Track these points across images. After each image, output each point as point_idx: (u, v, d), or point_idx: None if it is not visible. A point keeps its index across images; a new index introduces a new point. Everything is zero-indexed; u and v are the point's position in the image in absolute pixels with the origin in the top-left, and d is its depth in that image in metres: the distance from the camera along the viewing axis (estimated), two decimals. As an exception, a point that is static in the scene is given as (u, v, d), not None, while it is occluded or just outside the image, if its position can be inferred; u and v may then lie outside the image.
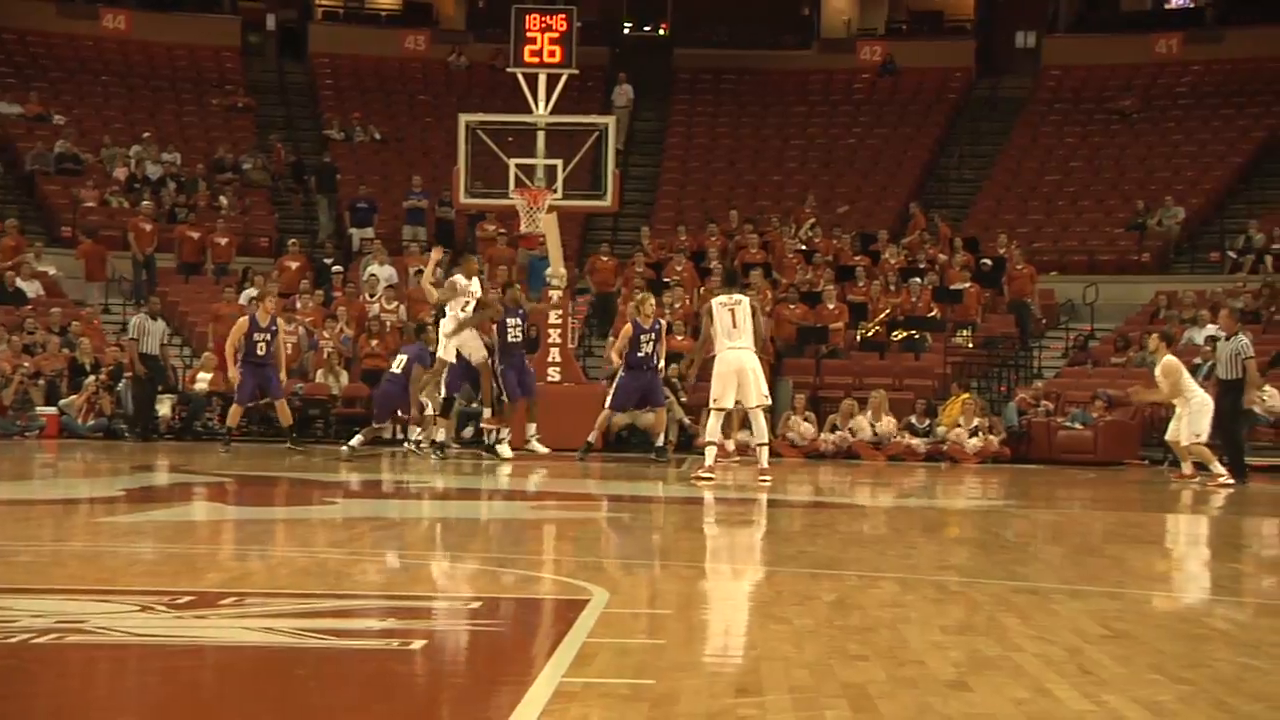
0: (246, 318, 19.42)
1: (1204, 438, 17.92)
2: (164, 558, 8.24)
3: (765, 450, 15.87)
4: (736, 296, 15.91)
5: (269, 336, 19.16)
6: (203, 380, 23.34)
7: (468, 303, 18.05)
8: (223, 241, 28.34)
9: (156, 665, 5.20)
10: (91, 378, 23.43)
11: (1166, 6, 39.09)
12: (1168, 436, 18.55)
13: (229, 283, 26.68)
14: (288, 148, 33.01)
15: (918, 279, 26.21)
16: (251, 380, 19.24)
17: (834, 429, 22.54)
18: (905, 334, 25.46)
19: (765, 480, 15.15)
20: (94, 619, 5.82)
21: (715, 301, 15.99)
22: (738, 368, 15.50)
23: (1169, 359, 18.12)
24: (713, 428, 15.78)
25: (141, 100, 34.96)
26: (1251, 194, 31.42)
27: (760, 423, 15.81)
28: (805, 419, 22.63)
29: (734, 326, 15.56)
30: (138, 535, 9.59)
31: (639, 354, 18.63)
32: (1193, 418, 17.83)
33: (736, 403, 15.84)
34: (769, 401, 16.43)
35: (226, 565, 8.10)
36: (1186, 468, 18.10)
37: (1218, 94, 34.70)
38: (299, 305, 25.16)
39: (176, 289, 27.70)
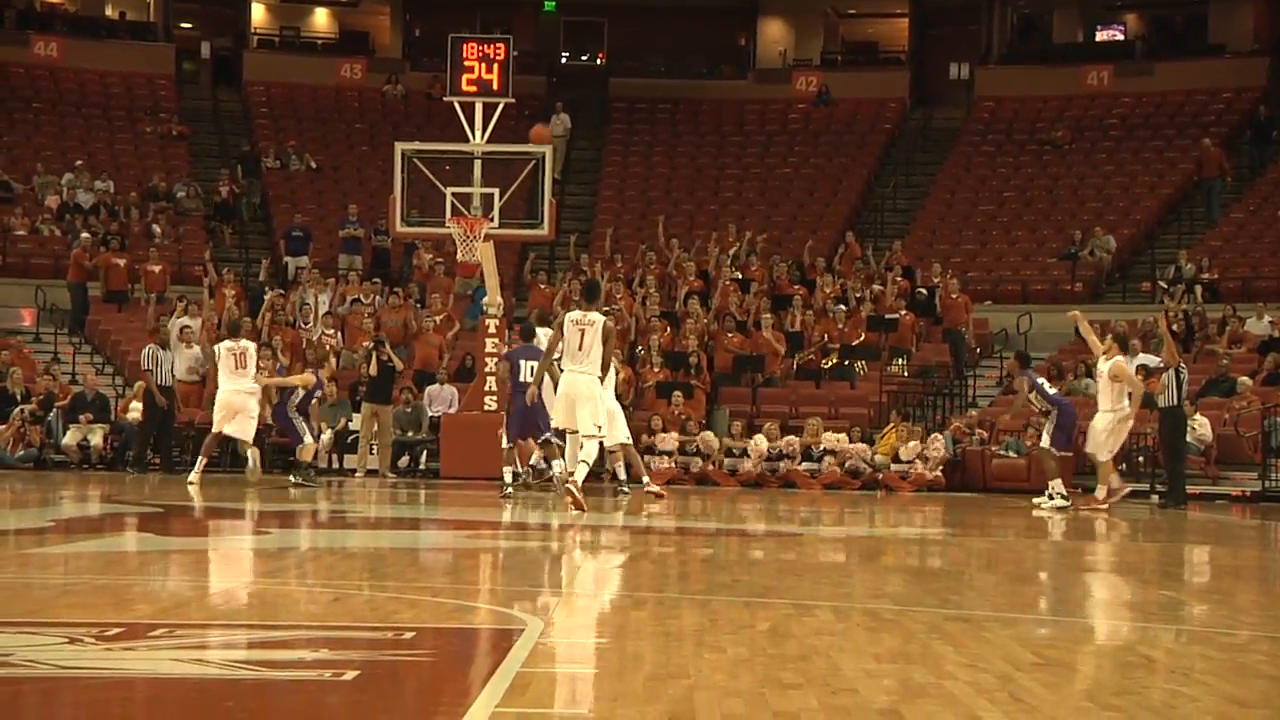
0: None
1: (1113, 452, 18.34)
2: (93, 589, 8.15)
3: (581, 473, 14.68)
4: (591, 316, 14.84)
5: None
6: (135, 410, 23.09)
7: None
8: (156, 269, 28.09)
9: (85, 699, 5.13)
10: (19, 408, 23.17)
11: (1097, 39, 39.56)
12: (1088, 449, 18.73)
13: (163, 311, 26.45)
14: (222, 177, 32.66)
15: (852, 306, 26.40)
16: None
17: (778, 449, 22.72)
18: (839, 362, 25.59)
19: (571, 504, 14.26)
20: (21, 652, 5.74)
21: (568, 318, 15.07)
22: (569, 391, 14.82)
23: (1119, 360, 18.09)
24: (588, 451, 14.91)
25: (74, 128, 34.68)
26: (1181, 225, 31.78)
27: (582, 451, 14.80)
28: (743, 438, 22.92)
29: (579, 349, 14.72)
30: (67, 566, 9.48)
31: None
32: (1113, 433, 18.12)
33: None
34: (602, 433, 15.24)
35: (157, 596, 8.02)
36: (1101, 491, 18.21)
37: (1147, 125, 35.14)
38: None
39: (108, 317, 27.45)
